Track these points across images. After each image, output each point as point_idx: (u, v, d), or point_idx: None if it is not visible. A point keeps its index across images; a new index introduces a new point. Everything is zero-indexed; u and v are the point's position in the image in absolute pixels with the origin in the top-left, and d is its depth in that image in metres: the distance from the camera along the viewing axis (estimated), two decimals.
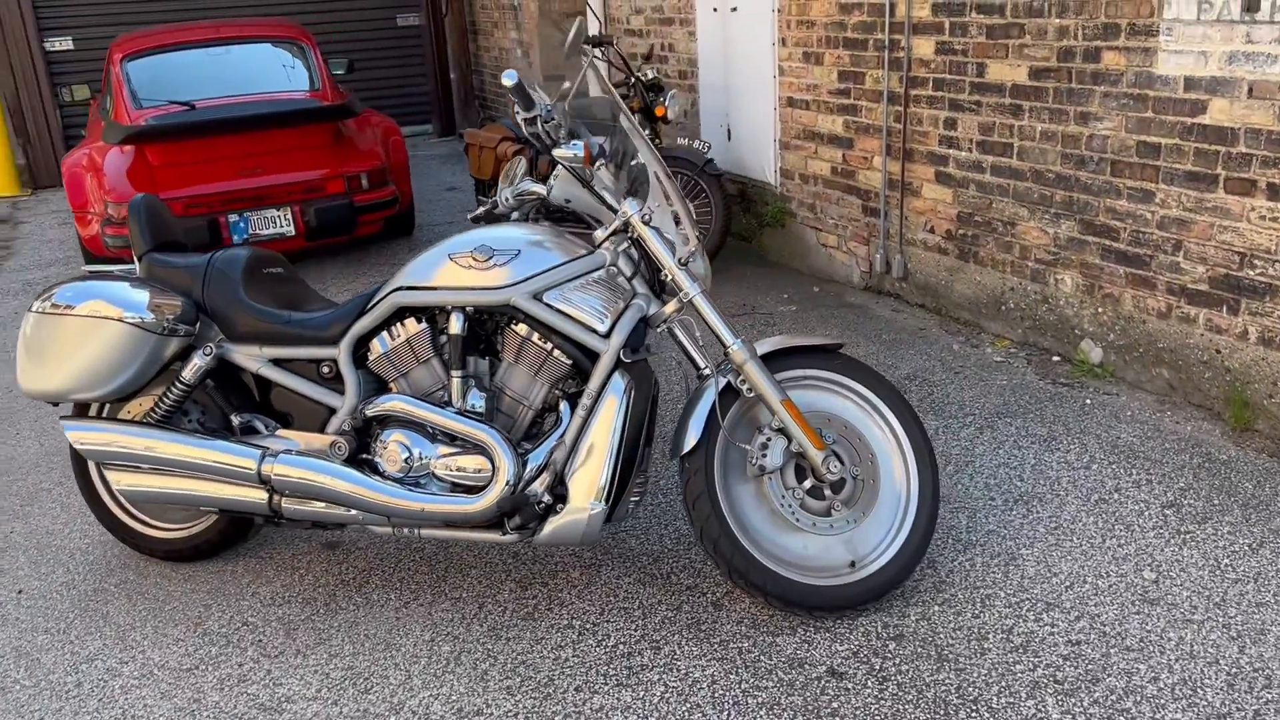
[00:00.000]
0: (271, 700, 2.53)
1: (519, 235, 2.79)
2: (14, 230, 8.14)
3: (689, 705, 2.42)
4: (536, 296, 2.71)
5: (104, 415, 3.06)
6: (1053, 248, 4.20)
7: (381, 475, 2.79)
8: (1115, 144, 3.83)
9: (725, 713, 2.39)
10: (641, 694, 2.47)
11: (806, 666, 2.53)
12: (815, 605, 2.67)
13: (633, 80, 5.71)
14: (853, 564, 2.73)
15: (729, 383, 2.72)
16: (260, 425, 2.97)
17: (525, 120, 2.66)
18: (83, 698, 2.59)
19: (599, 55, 6.01)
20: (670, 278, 2.71)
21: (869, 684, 2.46)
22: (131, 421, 2.93)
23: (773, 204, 5.92)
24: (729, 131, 6.26)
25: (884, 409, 2.82)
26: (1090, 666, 2.47)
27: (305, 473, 2.77)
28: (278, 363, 2.93)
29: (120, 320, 2.80)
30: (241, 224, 5.70)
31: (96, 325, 2.81)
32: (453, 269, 2.76)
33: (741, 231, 6.31)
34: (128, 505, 3.14)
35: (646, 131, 5.57)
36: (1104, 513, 3.11)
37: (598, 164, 2.71)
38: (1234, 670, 2.42)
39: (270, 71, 6.45)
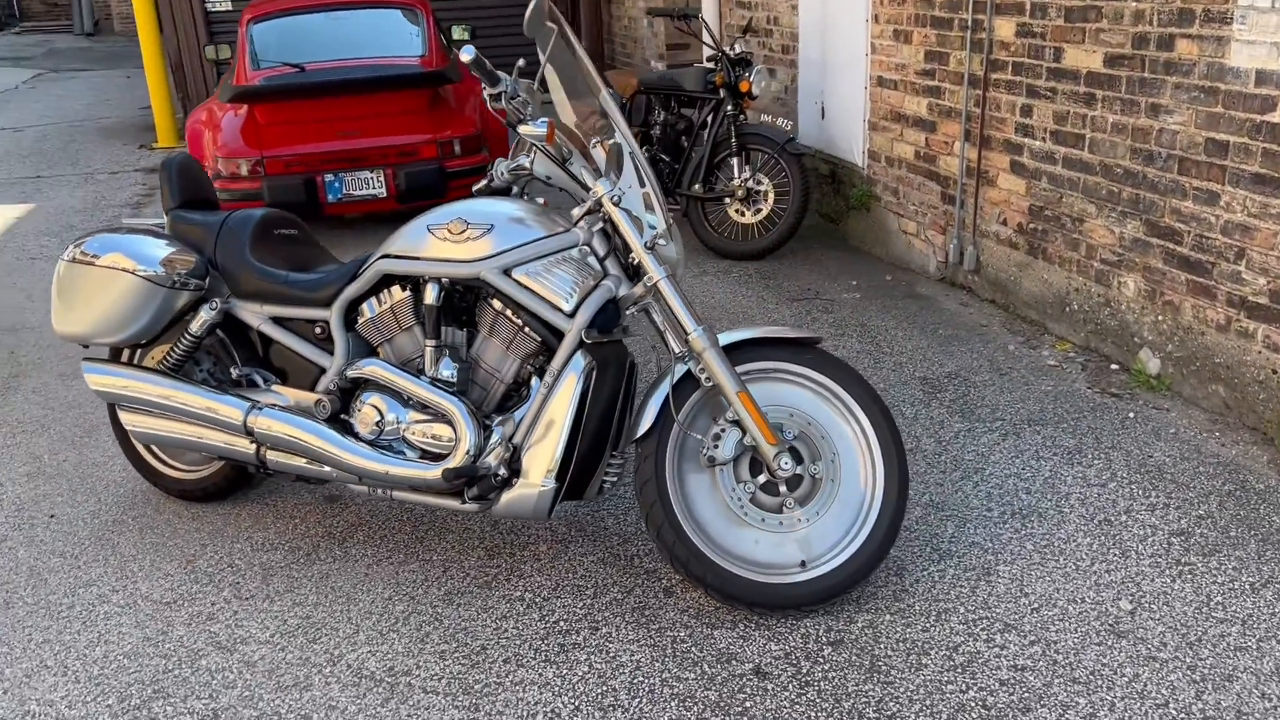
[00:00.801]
0: (229, 640, 2.68)
1: (497, 210, 2.81)
2: None
3: (605, 689, 2.43)
4: (506, 271, 2.74)
5: (132, 359, 3.27)
6: (1118, 248, 3.93)
7: (355, 436, 2.89)
8: (1184, 140, 3.55)
9: (638, 700, 2.39)
10: (565, 672, 2.50)
11: (734, 663, 2.50)
12: (757, 602, 2.62)
13: (719, 54, 5.63)
14: (804, 563, 2.67)
15: (689, 370, 2.69)
16: (259, 379, 3.13)
17: (490, 96, 2.68)
18: (70, 619, 2.80)
19: (684, 27, 5.95)
20: (637, 260, 2.69)
21: (789, 687, 2.41)
22: (141, 367, 3.12)
23: (859, 186, 5.75)
24: (823, 109, 6.10)
25: (855, 407, 2.73)
26: (1025, 695, 2.34)
27: (285, 427, 2.90)
28: (278, 321, 3.07)
29: (133, 273, 2.99)
30: (337, 184, 5.94)
31: (114, 276, 3.00)
32: (430, 240, 2.81)
33: (831, 213, 6.16)
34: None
35: (730, 108, 5.51)
36: (1104, 535, 2.92)
37: (559, 141, 2.70)
38: (1182, 717, 2.25)
39: (382, 36, 6.66)
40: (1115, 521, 2.98)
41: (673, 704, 2.38)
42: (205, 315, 3.07)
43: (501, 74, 2.66)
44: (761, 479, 2.70)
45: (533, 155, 2.81)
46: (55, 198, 7.99)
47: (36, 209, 7.71)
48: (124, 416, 3.14)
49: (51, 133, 10.83)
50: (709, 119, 5.74)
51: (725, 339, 2.69)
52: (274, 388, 3.08)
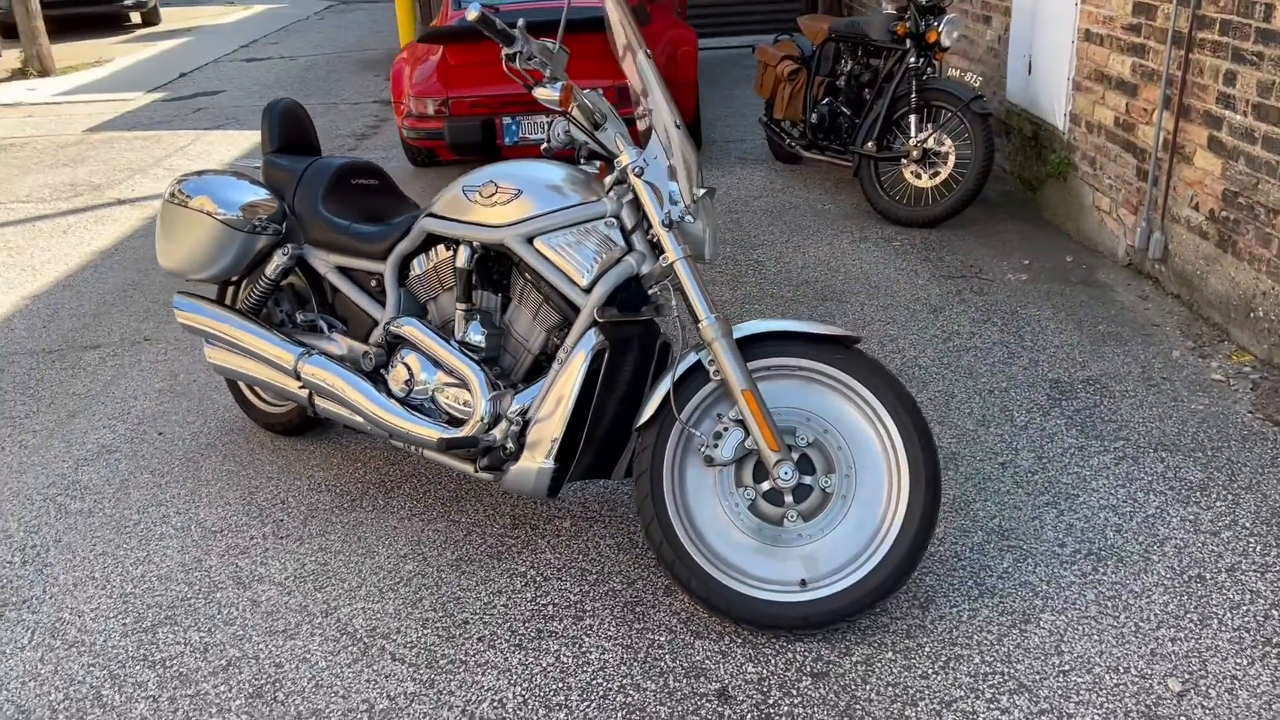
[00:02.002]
0: (248, 577, 2.80)
1: (529, 174, 2.71)
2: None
3: (561, 686, 2.34)
4: (530, 240, 2.64)
5: (237, 295, 3.45)
6: None
7: (390, 392, 2.91)
8: None
9: (588, 704, 2.28)
10: (530, 661, 2.42)
11: (701, 680, 2.33)
12: (744, 618, 2.43)
13: (908, 2, 5.17)
14: (804, 583, 2.44)
15: (699, 361, 2.49)
16: (323, 325, 3.21)
17: (506, 57, 2.55)
18: (131, 535, 3.02)
19: None
20: (655, 237, 2.51)
21: (748, 717, 2.22)
22: (220, 304, 3.28)
23: (1058, 152, 5.15)
24: (1029, 64, 5.49)
25: (885, 417, 2.44)
26: None
27: (327, 375, 2.96)
28: (343, 270, 3.13)
29: (213, 216, 3.13)
30: (514, 127, 6.00)
31: (199, 218, 3.15)
32: (464, 202, 2.76)
33: (1031, 179, 5.57)
34: None
35: (913, 60, 5.08)
36: (1188, 594, 2.48)
37: (574, 107, 2.53)
38: None
39: None
40: (1210, 580, 2.52)
41: (619, 714, 2.25)
42: (279, 260, 3.17)
43: (516, 33, 2.52)
44: (765, 485, 2.48)
45: (560, 120, 2.67)
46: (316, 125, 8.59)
47: None
48: (207, 351, 3.32)
49: (319, 62, 11.65)
50: (893, 71, 5.31)
51: (743, 330, 2.47)
52: (335, 335, 3.15)
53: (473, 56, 6.18)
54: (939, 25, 5.07)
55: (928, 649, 2.37)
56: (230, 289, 3.50)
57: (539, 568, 2.76)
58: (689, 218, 2.51)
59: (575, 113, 2.57)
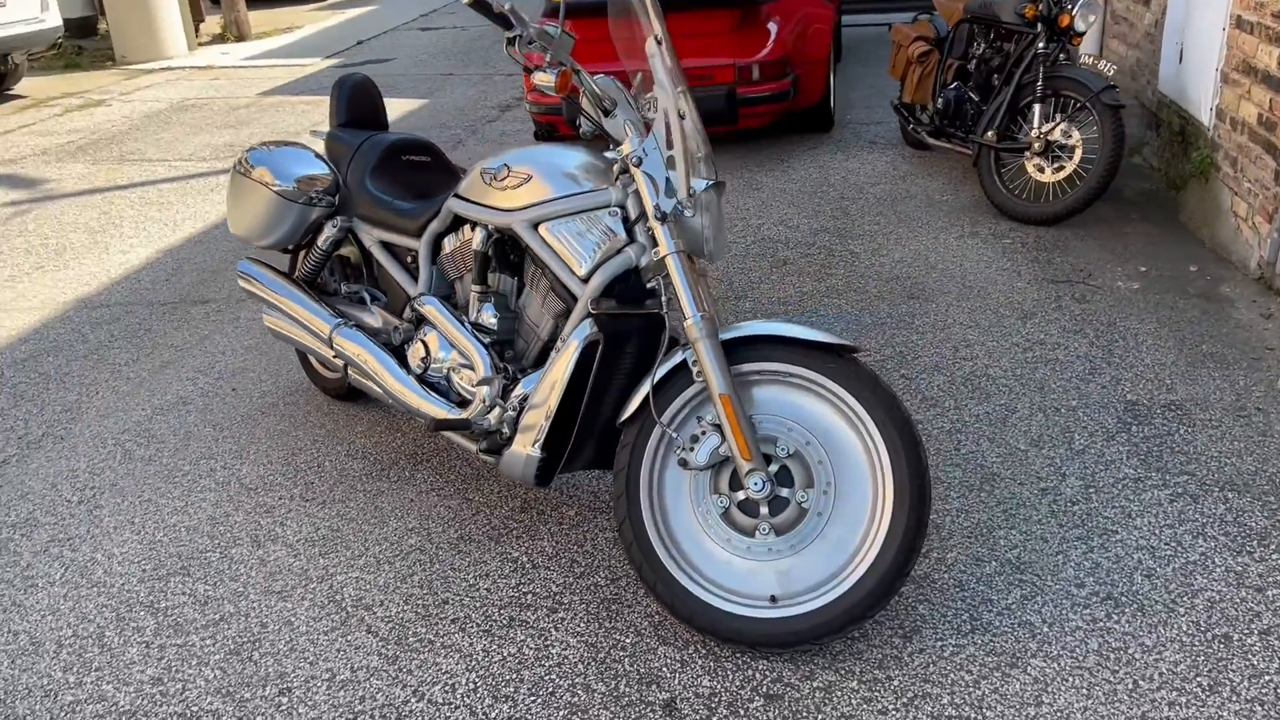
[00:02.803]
0: (265, 536, 2.92)
1: (542, 159, 2.69)
2: None
3: (512, 677, 2.34)
4: (536, 225, 2.62)
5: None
6: None
7: (408, 368, 2.96)
8: None
9: (534, 699, 2.27)
10: (492, 650, 2.43)
11: (652, 688, 2.28)
12: (705, 627, 2.34)
13: None
14: (773, 599, 2.34)
15: (685, 360, 2.41)
16: (367, 297, 3.29)
17: (506, 41, 2.52)
18: (176, 485, 3.20)
19: None
20: (650, 229, 2.44)
21: None
22: (276, 271, 3.40)
23: (1202, 149, 4.71)
24: (1181, 52, 5.03)
25: (875, 434, 2.30)
26: None
27: (354, 347, 3.04)
28: (385, 245, 3.19)
29: (269, 187, 3.25)
30: None
31: (258, 189, 3.28)
32: (481, 184, 2.76)
33: (1176, 177, 5.12)
34: None
35: (1042, 45, 4.76)
36: (1206, 655, 2.24)
37: (584, 94, 2.47)
38: None
39: None
40: (1236, 642, 2.27)
41: (561, 714, 2.22)
42: (329, 231, 3.27)
43: (515, 16, 2.49)
44: (741, 495, 2.38)
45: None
46: (448, 96, 8.85)
47: (428, 105, 8.59)
48: (264, 316, 3.46)
49: (489, 33, 11.92)
50: (1022, 56, 4.98)
51: (734, 332, 2.37)
52: (374, 308, 3.23)
53: (592, 31, 6.15)
54: (1073, 8, 4.71)
55: (896, 683, 2.23)
56: (300, 256, 3.63)
57: (532, 554, 2.75)
58: (687, 212, 2.42)
59: (584, 100, 2.51)
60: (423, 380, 2.92)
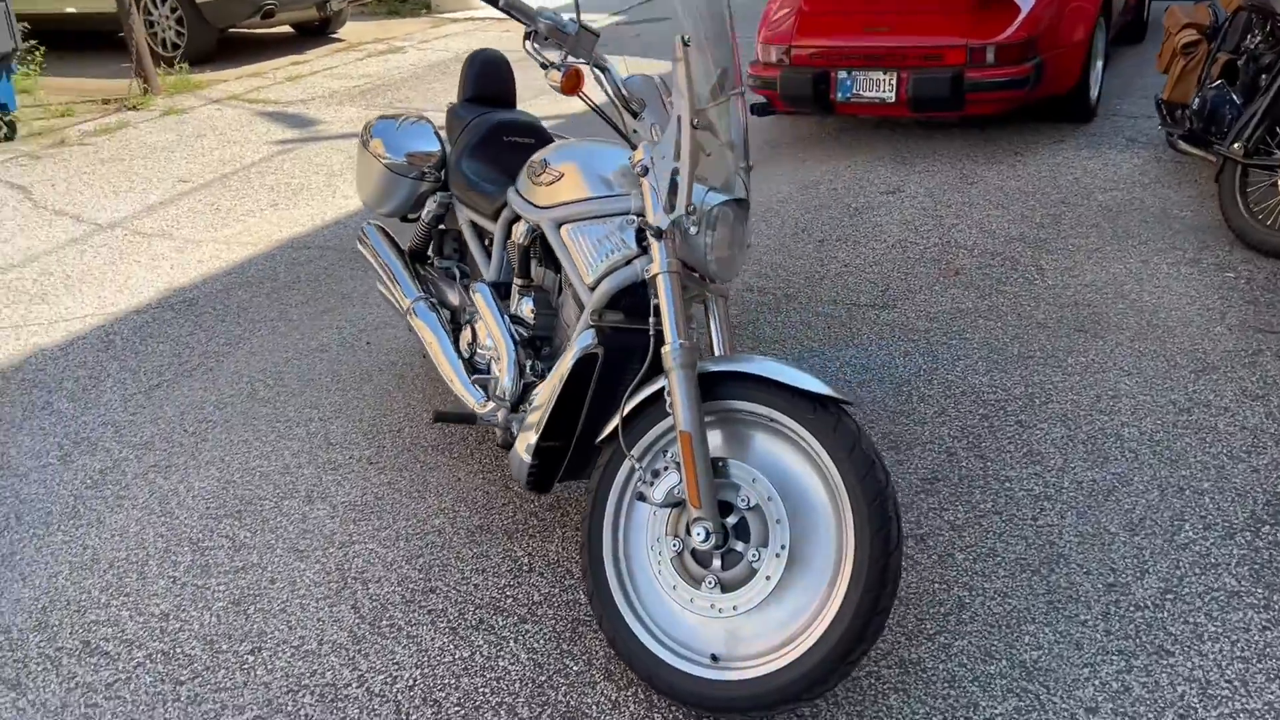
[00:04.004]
0: (318, 493, 3.07)
1: (581, 157, 2.61)
2: None
3: (449, 682, 2.32)
4: (560, 225, 2.55)
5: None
6: None
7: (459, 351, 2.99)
8: None
9: (460, 709, 2.25)
10: (448, 648, 2.43)
11: None
12: (642, 674, 2.21)
13: None
14: (714, 658, 2.17)
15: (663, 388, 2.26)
16: (456, 273, 3.35)
17: (525, 35, 2.42)
18: (277, 429, 3.44)
19: None
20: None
21: None
22: (389, 240, 3.52)
23: None
24: None
25: (845, 501, 2.06)
26: None
27: (420, 324, 3.11)
28: (474, 225, 3.23)
29: (380, 160, 3.36)
30: (848, 82, 5.63)
31: (372, 160, 3.41)
32: (525, 178, 2.72)
33: None
34: None
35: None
36: None
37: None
38: None
39: None
40: None
41: None
42: (430, 206, 3.35)
43: (517, 8, 2.36)
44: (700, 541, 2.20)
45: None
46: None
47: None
48: (377, 284, 3.61)
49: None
50: None
51: (714, 365, 2.19)
52: (459, 285, 3.28)
53: (828, 4, 5.86)
54: None
55: None
56: None
57: (534, 557, 2.72)
58: (691, 227, 2.26)
59: (620, 103, 2.38)
60: (471, 366, 2.93)
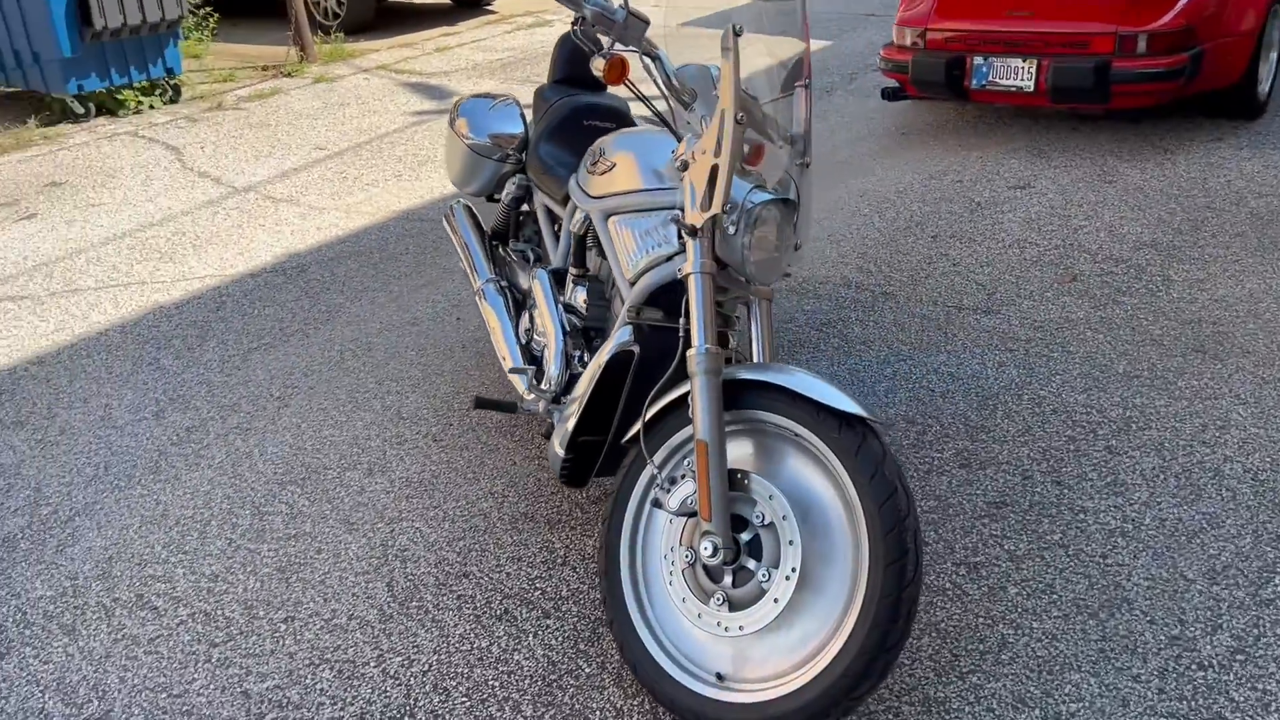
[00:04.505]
0: (379, 466, 3.13)
1: (635, 147, 2.54)
2: None
3: (461, 672, 2.32)
4: (609, 216, 2.50)
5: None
6: None
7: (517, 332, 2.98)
8: None
9: (467, 700, 2.25)
10: (468, 637, 2.42)
11: None
12: (646, 683, 2.15)
13: None
14: (720, 677, 2.09)
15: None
16: (531, 256, 3.33)
17: (572, 21, 2.34)
18: (355, 400, 3.51)
19: None
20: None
21: None
22: (472, 219, 3.53)
23: None
24: None
25: (862, 528, 1.95)
26: None
27: (486, 307, 3.11)
28: (547, 208, 3.20)
29: (463, 140, 3.37)
30: (984, 69, 5.33)
31: (456, 140, 3.42)
32: (584, 166, 2.67)
33: None
34: None
35: None
36: None
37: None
38: None
39: None
40: None
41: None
42: (509, 187, 3.34)
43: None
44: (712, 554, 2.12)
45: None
46: (854, 39, 8.51)
47: (829, 47, 8.34)
48: (460, 261, 3.63)
49: None
50: None
51: (740, 373, 2.10)
52: (529, 268, 3.26)
53: None
54: None
55: None
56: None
57: (570, 549, 2.69)
58: (730, 227, 2.16)
59: (675, 93, 2.30)
60: (528, 352, 2.92)
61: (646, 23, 2.31)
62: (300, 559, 2.73)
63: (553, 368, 2.64)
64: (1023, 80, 5.21)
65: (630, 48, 2.30)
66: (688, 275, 2.15)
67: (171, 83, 7.83)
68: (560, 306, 2.73)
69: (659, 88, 2.31)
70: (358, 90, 7.87)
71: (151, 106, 7.66)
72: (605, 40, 2.29)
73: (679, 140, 2.29)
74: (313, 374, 3.70)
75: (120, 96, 7.49)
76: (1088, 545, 2.54)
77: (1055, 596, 2.39)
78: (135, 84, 7.53)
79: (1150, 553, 2.50)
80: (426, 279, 4.44)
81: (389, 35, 9.69)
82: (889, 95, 5.85)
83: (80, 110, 7.36)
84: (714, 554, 2.03)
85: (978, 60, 5.33)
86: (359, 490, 3.01)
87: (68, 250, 5.02)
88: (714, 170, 2.13)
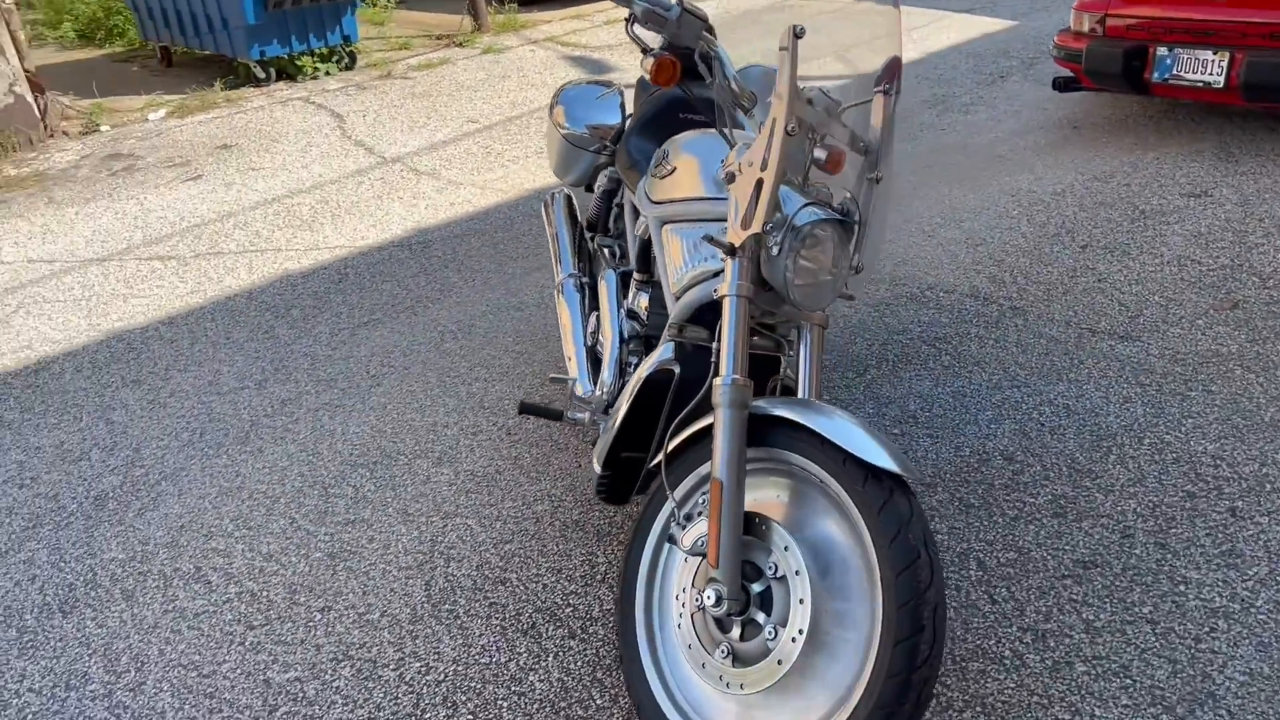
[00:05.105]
0: (449, 456, 3.10)
1: (698, 151, 2.38)
2: None
3: (475, 687, 2.26)
4: (664, 224, 2.36)
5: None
6: None
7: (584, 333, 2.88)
8: None
9: (470, 717, 2.19)
10: (489, 648, 2.37)
11: None
12: None
13: None
14: None
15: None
16: (618, 251, 3.21)
17: (625, 19, 2.19)
18: (440, 388, 3.50)
19: None
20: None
21: None
22: (568, 210, 3.44)
23: None
24: None
25: (879, 594, 1.76)
26: None
27: (561, 302, 3.02)
28: (632, 204, 3.08)
29: (559, 129, 3.28)
30: (1168, 60, 4.82)
31: (553, 130, 3.34)
32: (651, 169, 2.53)
33: None
34: None
35: None
36: None
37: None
38: None
39: None
40: None
41: None
42: (601, 180, 3.24)
43: None
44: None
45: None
46: (1041, 20, 7.95)
47: (1014, 27, 7.82)
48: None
49: None
50: None
51: (768, 408, 1.93)
52: (611, 264, 3.15)
53: None
54: None
55: None
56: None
57: (611, 566, 2.59)
58: (774, 247, 1.99)
59: (715, 92, 2.14)
60: (594, 355, 2.82)
61: (703, 19, 2.14)
62: (352, 546, 2.74)
63: (606, 374, 2.53)
64: (1212, 75, 4.67)
65: (686, 47, 2.14)
66: (723, 297, 1.98)
67: (348, 50, 8.09)
68: (622, 311, 2.62)
69: (717, 91, 2.14)
70: (521, 62, 7.92)
71: (328, 73, 7.95)
72: (661, 38, 2.14)
73: (730, 148, 2.12)
74: (411, 354, 3.73)
75: (299, 63, 7.80)
76: (1181, 624, 2.24)
77: (1129, 681, 2.11)
78: (314, 51, 7.83)
79: (1254, 642, 2.17)
80: (540, 262, 4.40)
81: (562, 6, 9.72)
82: (1060, 86, 5.39)
83: (261, 75, 7.71)
84: (717, 603, 1.87)
85: (1161, 51, 4.82)
86: (424, 480, 2.99)
87: (220, 213, 5.26)
88: (759, 184, 1.96)
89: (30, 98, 6.61)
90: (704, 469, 2.03)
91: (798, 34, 1.96)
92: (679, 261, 2.24)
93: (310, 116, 6.88)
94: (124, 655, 2.43)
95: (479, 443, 3.15)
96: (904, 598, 1.69)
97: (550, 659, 2.31)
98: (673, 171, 2.36)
